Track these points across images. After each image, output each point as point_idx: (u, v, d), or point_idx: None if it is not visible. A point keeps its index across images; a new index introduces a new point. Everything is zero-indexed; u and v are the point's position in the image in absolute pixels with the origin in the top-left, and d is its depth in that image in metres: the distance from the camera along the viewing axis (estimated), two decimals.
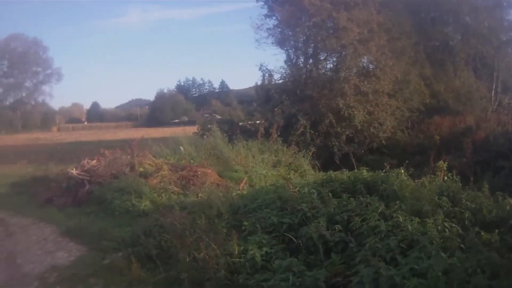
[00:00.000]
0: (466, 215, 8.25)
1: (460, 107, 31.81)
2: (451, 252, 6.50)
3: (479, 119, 27.68)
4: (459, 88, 33.27)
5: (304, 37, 29.09)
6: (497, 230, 7.31)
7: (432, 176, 11.13)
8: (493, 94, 35.78)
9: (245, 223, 9.10)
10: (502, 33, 37.45)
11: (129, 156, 17.82)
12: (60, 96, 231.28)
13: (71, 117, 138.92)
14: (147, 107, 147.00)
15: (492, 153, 20.78)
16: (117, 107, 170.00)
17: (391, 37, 28.86)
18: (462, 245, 6.88)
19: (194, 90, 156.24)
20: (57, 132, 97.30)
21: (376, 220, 7.90)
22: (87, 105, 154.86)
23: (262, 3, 30.07)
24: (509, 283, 5.41)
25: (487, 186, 9.85)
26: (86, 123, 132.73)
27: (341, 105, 25.55)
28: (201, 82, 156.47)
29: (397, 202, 8.94)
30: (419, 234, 7.18)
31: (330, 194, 9.88)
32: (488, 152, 21.08)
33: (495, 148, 21.11)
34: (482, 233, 7.20)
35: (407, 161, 13.02)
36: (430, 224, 7.57)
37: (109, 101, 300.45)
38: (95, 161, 17.93)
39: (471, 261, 5.93)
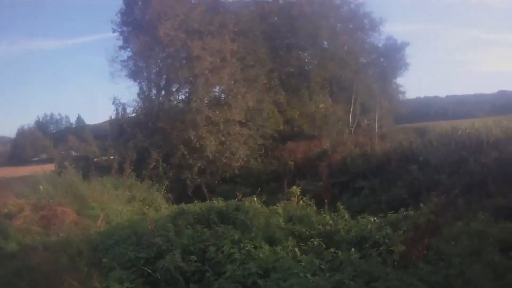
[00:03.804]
0: (320, 237, 8.48)
1: (316, 131, 32.99)
2: (311, 272, 6.95)
3: (336, 142, 28.69)
4: (314, 112, 34.55)
5: (157, 68, 29.08)
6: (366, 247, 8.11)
7: (286, 201, 11.35)
8: (351, 116, 37.45)
9: (104, 260, 9.21)
10: (362, 56, 39.45)
11: None
12: None
13: None
14: (9, 144, 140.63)
15: (350, 175, 21.75)
16: None
17: (245, 65, 29.52)
18: (322, 266, 7.30)
19: (52, 126, 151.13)
20: None
21: (230, 249, 8.25)
22: None
23: (118, 34, 29.66)
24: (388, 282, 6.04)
25: (343, 207, 10.21)
26: None
27: (192, 136, 25.80)
28: (59, 117, 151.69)
29: (252, 230, 9.36)
30: (273, 261, 7.52)
31: (183, 226, 10.26)
32: (345, 174, 22.04)
33: (353, 170, 22.05)
34: (339, 253, 7.73)
35: (259, 189, 13.16)
36: (280, 250, 7.71)
37: None
38: None
39: (341, 276, 6.44)
